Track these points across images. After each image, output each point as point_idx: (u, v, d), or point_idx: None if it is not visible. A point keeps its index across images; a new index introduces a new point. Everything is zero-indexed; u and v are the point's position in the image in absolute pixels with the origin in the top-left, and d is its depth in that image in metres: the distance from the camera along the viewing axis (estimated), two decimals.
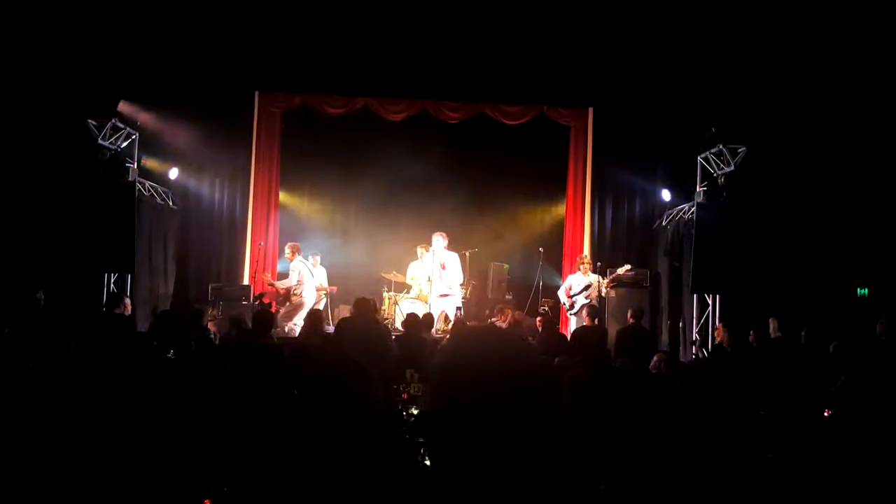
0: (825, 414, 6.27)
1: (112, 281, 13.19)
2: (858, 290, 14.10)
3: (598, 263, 14.15)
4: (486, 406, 2.13)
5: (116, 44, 12.54)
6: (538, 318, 11.57)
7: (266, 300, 13.42)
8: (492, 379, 2.15)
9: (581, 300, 13.11)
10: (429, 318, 11.00)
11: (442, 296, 13.61)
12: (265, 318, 8.71)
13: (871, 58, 12.16)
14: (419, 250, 14.18)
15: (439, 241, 13.71)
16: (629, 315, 11.17)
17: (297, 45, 13.49)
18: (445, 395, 2.26)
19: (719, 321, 12.63)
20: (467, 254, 14.47)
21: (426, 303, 13.59)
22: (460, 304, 13.88)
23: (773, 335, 10.54)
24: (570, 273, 14.47)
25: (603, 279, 13.67)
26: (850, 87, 13.01)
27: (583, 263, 13.76)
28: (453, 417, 2.18)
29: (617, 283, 13.93)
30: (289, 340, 11.30)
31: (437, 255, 13.67)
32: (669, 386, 7.32)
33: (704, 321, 13.57)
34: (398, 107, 15.35)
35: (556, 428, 2.25)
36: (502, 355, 2.21)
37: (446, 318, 13.28)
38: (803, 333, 9.95)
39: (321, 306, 14.15)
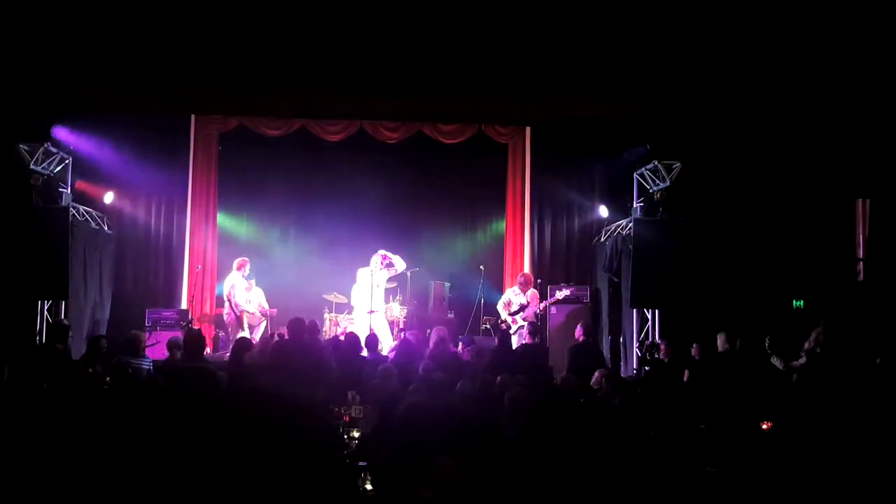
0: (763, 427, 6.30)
1: (46, 308, 12.93)
2: (794, 301, 14.31)
3: (539, 281, 14.17)
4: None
5: (49, 66, 12.31)
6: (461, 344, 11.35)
7: (195, 325, 13.28)
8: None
9: (518, 321, 13.04)
10: (372, 337, 10.92)
11: (370, 312, 13.52)
12: (196, 340, 8.62)
13: (802, 71, 12.35)
14: (359, 272, 14.05)
15: (377, 260, 13.78)
16: (579, 332, 11.13)
17: (232, 65, 13.29)
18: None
19: (660, 337, 12.72)
20: (408, 273, 14.41)
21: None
22: (397, 323, 13.89)
23: (720, 349, 10.60)
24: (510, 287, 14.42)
25: (539, 299, 13.61)
26: (780, 103, 13.22)
27: (520, 283, 13.69)
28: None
29: (556, 301, 13.96)
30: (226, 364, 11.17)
31: (375, 275, 13.70)
32: (610, 402, 7.35)
33: (644, 336, 13.66)
34: (336, 127, 15.25)
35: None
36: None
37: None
38: (738, 344, 9.98)
39: (261, 329, 14.06)
